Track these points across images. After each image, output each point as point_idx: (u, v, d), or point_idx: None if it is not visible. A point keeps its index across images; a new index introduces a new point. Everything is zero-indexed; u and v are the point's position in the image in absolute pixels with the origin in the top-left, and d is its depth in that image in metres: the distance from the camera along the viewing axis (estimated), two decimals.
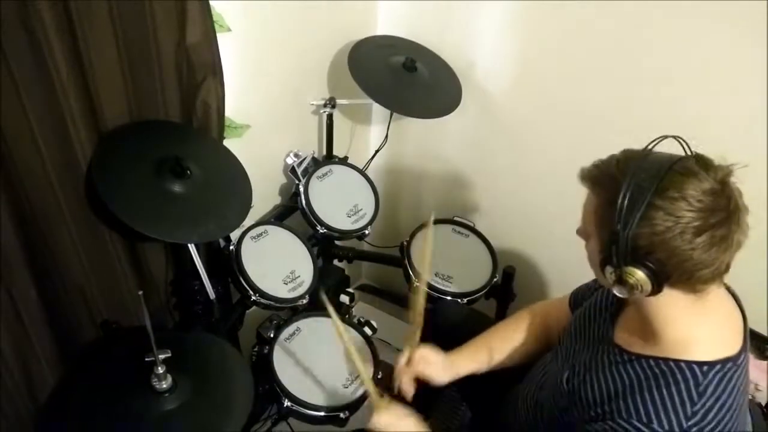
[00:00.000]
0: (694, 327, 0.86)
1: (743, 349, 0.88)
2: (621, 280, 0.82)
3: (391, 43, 1.76)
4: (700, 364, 0.84)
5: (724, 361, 0.84)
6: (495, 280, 1.68)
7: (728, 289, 0.95)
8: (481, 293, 1.65)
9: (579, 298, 1.22)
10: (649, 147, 0.85)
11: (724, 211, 0.78)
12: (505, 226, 1.95)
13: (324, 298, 1.19)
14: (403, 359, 1.21)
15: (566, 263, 1.86)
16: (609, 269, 0.84)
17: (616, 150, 1.70)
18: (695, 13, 1.35)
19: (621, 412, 0.86)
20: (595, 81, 1.57)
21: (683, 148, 0.85)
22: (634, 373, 0.89)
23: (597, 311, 1.06)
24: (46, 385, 1.22)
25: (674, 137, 0.84)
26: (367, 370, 1.25)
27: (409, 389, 1.20)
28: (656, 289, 0.81)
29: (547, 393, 1.06)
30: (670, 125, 1.43)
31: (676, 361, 0.85)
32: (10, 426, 1.17)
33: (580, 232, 0.95)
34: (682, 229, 0.77)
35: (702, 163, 0.81)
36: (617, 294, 0.85)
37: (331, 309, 1.17)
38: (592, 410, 0.92)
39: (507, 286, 1.74)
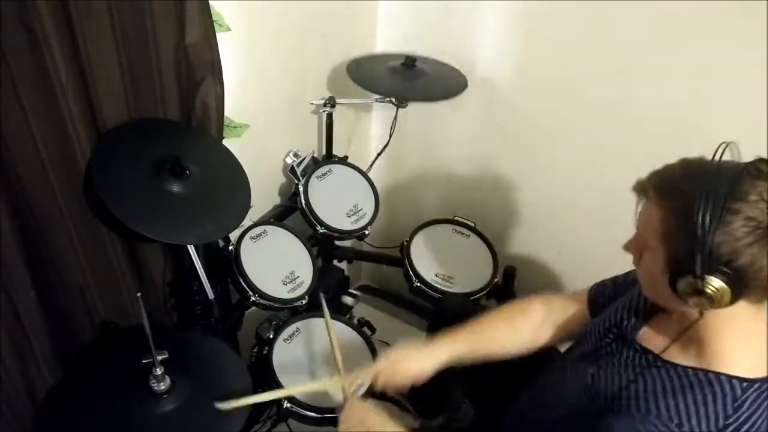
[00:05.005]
0: (742, 341, 0.84)
1: None
2: (699, 291, 0.77)
3: (391, 57, 1.75)
4: (741, 379, 0.82)
5: (763, 380, 0.83)
6: (496, 280, 1.68)
7: None
8: (481, 293, 1.64)
9: (600, 297, 1.19)
10: (715, 156, 0.80)
11: None
12: (506, 225, 1.95)
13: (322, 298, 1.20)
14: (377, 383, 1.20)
15: (568, 262, 1.87)
16: (684, 281, 0.79)
17: (616, 149, 1.70)
18: (699, 9, 1.34)
19: (650, 411, 0.85)
20: (597, 79, 1.56)
21: (732, 153, 0.81)
22: (668, 379, 0.87)
23: (627, 312, 1.03)
24: (44, 386, 1.22)
25: (729, 143, 0.81)
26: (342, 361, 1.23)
27: (402, 389, 1.19)
28: (734, 300, 0.78)
29: (567, 391, 1.04)
30: (676, 120, 1.44)
31: (716, 374, 0.83)
32: (8, 427, 1.16)
33: (633, 247, 0.91)
34: (763, 234, 0.74)
35: None
36: (694, 308, 0.80)
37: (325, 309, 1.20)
38: (616, 402, 0.90)
39: (508, 287, 1.73)
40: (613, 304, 1.10)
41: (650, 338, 0.96)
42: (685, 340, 0.88)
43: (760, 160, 0.79)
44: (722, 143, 0.80)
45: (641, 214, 0.87)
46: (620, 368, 0.95)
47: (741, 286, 0.77)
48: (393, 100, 1.68)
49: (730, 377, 0.83)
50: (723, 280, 0.76)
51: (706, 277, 0.76)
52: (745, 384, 0.82)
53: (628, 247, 0.93)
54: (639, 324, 0.99)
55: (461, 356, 1.20)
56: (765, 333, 0.86)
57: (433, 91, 1.68)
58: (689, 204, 0.76)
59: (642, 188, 0.86)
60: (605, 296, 1.18)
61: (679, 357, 0.89)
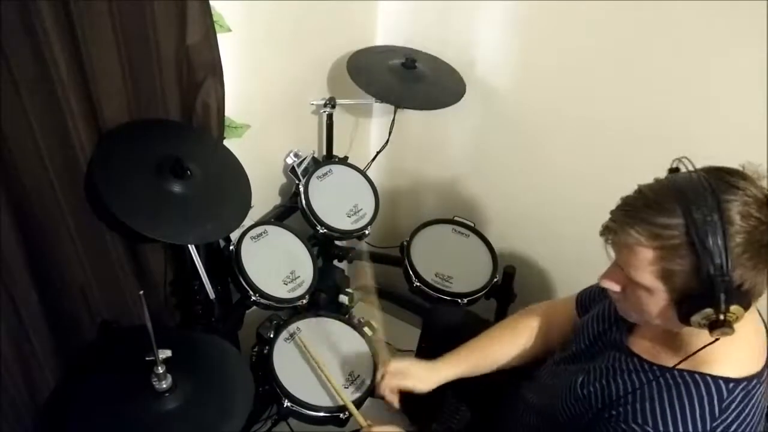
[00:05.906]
0: (726, 342, 0.83)
1: (767, 365, 0.86)
2: (721, 322, 0.75)
3: (390, 50, 1.76)
4: (727, 380, 0.82)
5: (749, 379, 0.83)
6: (495, 280, 1.68)
7: None
8: (481, 293, 1.65)
9: (587, 300, 1.20)
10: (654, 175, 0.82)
11: None
12: (506, 225, 1.95)
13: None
14: (378, 375, 1.25)
15: (567, 262, 1.87)
16: (701, 315, 0.77)
17: (617, 149, 1.69)
18: (700, 10, 1.35)
19: (636, 415, 0.85)
20: (597, 79, 1.57)
21: (685, 165, 0.82)
22: (656, 382, 0.87)
23: (611, 317, 1.04)
24: (46, 386, 1.22)
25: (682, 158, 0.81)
26: (350, 399, 1.30)
27: (392, 399, 1.23)
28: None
29: (557, 397, 1.04)
30: (677, 121, 1.45)
31: (702, 375, 0.83)
32: (10, 426, 1.17)
33: (614, 281, 0.88)
34: (757, 249, 0.74)
35: (737, 174, 0.77)
36: (719, 336, 0.78)
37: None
38: (605, 412, 0.91)
39: (507, 286, 1.74)
40: (593, 310, 1.11)
41: (638, 342, 0.96)
42: (673, 343, 0.88)
43: (719, 170, 0.78)
44: (675, 159, 0.80)
45: (624, 254, 0.83)
46: (610, 374, 0.95)
47: (749, 303, 0.77)
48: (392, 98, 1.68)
49: (716, 378, 0.83)
50: (738, 304, 0.75)
51: (731, 306, 0.75)
52: (731, 384, 0.82)
53: (608, 280, 0.90)
54: (625, 328, 0.99)
55: (463, 374, 1.23)
56: (750, 331, 0.87)
57: (432, 100, 1.69)
58: (685, 238, 0.75)
59: (613, 229, 0.83)
60: (591, 296, 1.19)
61: (669, 359, 0.89)
